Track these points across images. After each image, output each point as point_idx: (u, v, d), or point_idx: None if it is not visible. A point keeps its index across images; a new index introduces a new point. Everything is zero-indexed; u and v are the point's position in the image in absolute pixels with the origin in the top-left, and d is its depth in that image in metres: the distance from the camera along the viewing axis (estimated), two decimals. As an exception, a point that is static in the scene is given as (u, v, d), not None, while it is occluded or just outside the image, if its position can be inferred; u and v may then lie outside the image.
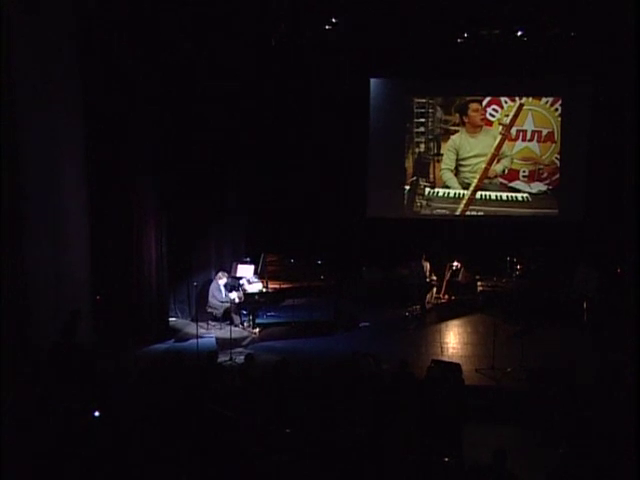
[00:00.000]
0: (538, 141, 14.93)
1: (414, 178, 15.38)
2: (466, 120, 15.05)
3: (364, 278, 14.49)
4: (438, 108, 15.14)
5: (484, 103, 14.96)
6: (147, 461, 6.68)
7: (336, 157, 14.78)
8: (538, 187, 15.01)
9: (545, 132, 14.88)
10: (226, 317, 12.55)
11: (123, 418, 7.49)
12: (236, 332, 11.99)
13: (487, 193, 15.19)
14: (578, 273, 12.76)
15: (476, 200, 15.20)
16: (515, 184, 15.09)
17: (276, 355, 10.55)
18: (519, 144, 14.98)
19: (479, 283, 13.75)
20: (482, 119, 14.98)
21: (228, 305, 12.45)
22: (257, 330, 12.41)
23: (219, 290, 12.53)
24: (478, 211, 15.22)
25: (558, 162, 14.89)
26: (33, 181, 9.76)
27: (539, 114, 14.89)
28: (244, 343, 11.88)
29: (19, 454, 6.73)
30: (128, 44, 11.16)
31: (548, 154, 14.93)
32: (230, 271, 13.01)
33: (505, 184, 15.10)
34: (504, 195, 15.13)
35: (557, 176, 14.92)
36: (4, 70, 8.73)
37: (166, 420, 7.43)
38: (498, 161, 15.03)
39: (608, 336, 11.44)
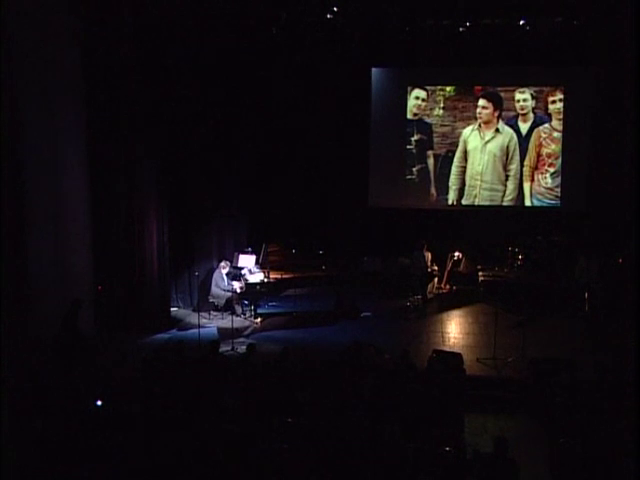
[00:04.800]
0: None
1: (416, 167, 15.35)
2: (472, 114, 15.00)
3: (365, 268, 14.49)
4: (440, 99, 15.09)
5: (488, 98, 14.86)
6: (148, 449, 6.71)
7: (338, 147, 14.75)
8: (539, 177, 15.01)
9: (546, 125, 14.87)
10: (228, 307, 12.58)
11: (125, 407, 7.51)
12: (238, 322, 12.00)
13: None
14: (579, 263, 12.75)
15: (478, 189, 15.18)
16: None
17: (277, 345, 10.57)
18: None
19: (480, 273, 13.76)
20: (487, 114, 14.89)
21: (230, 294, 12.47)
22: (258, 320, 12.43)
23: (222, 279, 12.56)
24: (480, 200, 15.18)
25: (559, 152, 14.85)
26: (34, 170, 9.76)
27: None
28: (246, 333, 11.91)
29: (20, 444, 6.74)
30: (129, 37, 11.14)
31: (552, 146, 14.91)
32: (232, 261, 13.03)
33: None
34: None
35: (558, 166, 14.88)
36: (5, 61, 8.71)
37: (167, 409, 7.45)
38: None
39: (609, 326, 11.45)
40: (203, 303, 12.71)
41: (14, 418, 6.97)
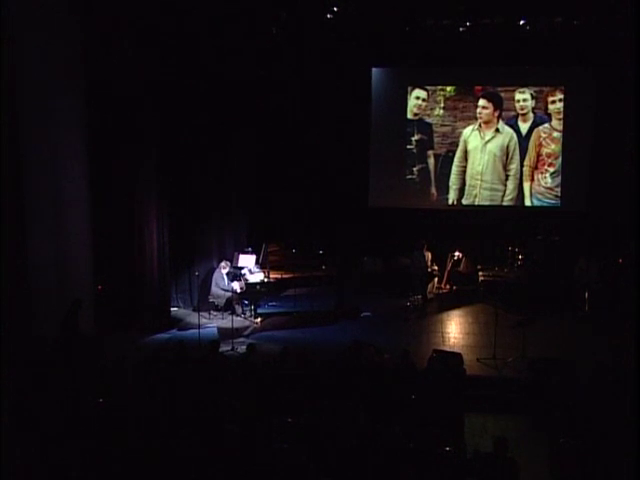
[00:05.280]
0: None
1: (417, 167, 15.35)
2: (472, 114, 14.99)
3: (365, 268, 14.49)
4: (440, 99, 15.09)
5: (488, 98, 14.86)
6: (148, 449, 6.71)
7: (338, 146, 14.74)
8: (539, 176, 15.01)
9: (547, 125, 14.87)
10: (228, 307, 12.57)
11: (125, 407, 7.51)
12: (238, 322, 11.99)
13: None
14: (579, 263, 12.75)
15: (478, 188, 15.18)
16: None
17: (277, 345, 10.57)
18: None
19: (480, 273, 13.75)
20: (488, 114, 14.88)
21: (230, 294, 12.47)
22: (258, 320, 12.43)
23: (222, 278, 12.55)
24: (480, 199, 15.18)
25: (559, 152, 14.86)
26: (34, 170, 9.76)
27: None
28: (246, 333, 11.91)
29: (20, 444, 6.75)
30: (129, 37, 11.14)
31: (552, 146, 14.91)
32: (232, 261, 13.02)
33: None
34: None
35: (558, 166, 14.89)
36: (5, 61, 8.71)
37: (168, 409, 7.46)
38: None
39: (609, 326, 11.45)
40: (203, 303, 12.71)
41: (14, 417, 6.97)
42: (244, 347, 10.25)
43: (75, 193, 10.85)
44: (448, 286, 14.27)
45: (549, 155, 14.91)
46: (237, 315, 12.40)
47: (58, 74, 10.27)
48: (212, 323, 12.35)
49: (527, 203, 15.03)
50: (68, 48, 10.51)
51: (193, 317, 12.15)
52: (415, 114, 15.18)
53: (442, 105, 15.08)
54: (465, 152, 15.10)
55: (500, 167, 15.05)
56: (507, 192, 15.08)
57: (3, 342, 7.94)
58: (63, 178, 10.53)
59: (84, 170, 11.09)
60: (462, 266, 14.10)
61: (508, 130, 14.90)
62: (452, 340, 11.45)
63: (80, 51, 10.74)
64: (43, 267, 9.89)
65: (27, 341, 9.06)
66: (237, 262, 13.03)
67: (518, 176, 15.00)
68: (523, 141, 14.90)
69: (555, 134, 14.81)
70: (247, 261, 12.95)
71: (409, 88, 15.17)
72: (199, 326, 11.42)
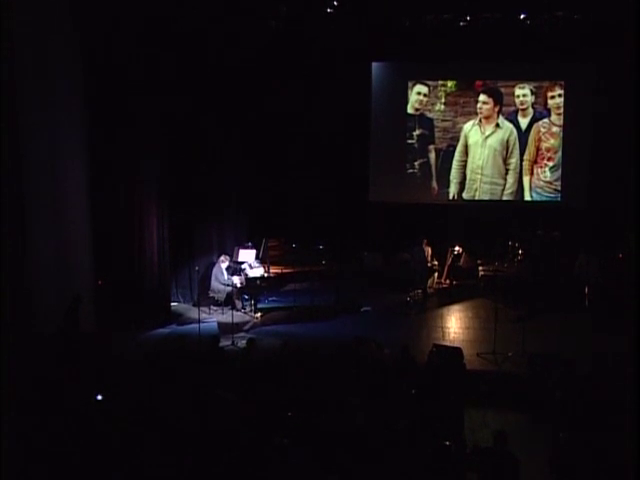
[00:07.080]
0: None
1: (418, 162, 15.36)
2: (473, 110, 14.99)
3: (365, 263, 14.50)
4: (441, 95, 15.09)
5: (488, 94, 14.86)
6: (148, 444, 6.72)
7: (338, 141, 14.73)
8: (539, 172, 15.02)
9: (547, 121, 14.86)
10: (228, 302, 12.59)
11: (125, 402, 7.54)
12: (238, 317, 12.01)
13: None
14: (579, 258, 12.76)
15: (478, 182, 15.19)
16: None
17: (277, 340, 10.59)
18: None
19: (480, 268, 13.74)
20: (488, 110, 14.89)
21: (230, 289, 12.49)
22: (259, 315, 12.45)
23: (222, 273, 12.57)
24: (480, 193, 15.19)
25: (558, 146, 14.86)
26: (34, 166, 9.77)
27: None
28: (246, 328, 11.92)
29: (21, 439, 6.77)
30: (129, 36, 11.12)
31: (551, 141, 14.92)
32: (232, 256, 13.04)
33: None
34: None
35: (557, 160, 14.89)
36: (5, 61, 8.71)
37: (167, 404, 7.48)
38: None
39: (609, 321, 11.46)
40: (203, 298, 12.73)
41: (15, 413, 6.99)
42: (244, 342, 10.27)
43: (75, 193, 10.85)
44: (448, 281, 14.27)
45: (548, 149, 14.92)
46: (237, 310, 12.41)
47: (58, 74, 10.26)
48: (212, 318, 12.37)
49: (527, 197, 15.05)
50: (68, 48, 10.50)
51: (193, 312, 12.16)
52: (416, 109, 15.19)
53: (443, 100, 15.09)
54: (466, 147, 15.12)
55: (500, 161, 15.06)
56: (507, 186, 15.10)
57: (3, 341, 7.95)
58: (63, 178, 10.53)
59: (84, 170, 11.09)
60: (462, 261, 14.10)
61: (508, 125, 14.92)
62: (452, 335, 11.48)
63: (80, 51, 10.72)
64: (43, 266, 9.91)
65: (28, 337, 9.08)
66: (237, 257, 13.04)
67: (518, 170, 15.02)
68: (523, 136, 14.93)
69: (554, 129, 14.83)
70: (247, 256, 12.97)
71: (409, 83, 15.17)
72: (199, 321, 11.42)
